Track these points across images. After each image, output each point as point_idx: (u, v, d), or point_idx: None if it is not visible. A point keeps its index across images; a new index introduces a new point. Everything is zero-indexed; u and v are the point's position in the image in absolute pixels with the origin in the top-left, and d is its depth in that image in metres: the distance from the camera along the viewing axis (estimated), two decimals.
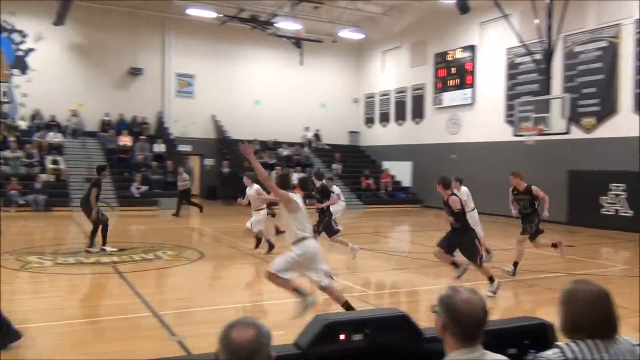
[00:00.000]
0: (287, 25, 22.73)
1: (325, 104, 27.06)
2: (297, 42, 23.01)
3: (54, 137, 20.98)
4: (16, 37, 22.09)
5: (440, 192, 7.65)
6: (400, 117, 25.20)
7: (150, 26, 23.95)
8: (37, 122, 21.64)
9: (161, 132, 23.80)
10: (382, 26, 24.75)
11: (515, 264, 8.66)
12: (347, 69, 27.78)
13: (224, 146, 24.70)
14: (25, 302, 6.91)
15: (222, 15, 22.73)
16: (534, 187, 8.73)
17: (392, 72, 25.86)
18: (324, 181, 10.50)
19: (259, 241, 10.77)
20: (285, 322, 5.53)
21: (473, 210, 9.64)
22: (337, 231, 10.28)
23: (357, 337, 2.61)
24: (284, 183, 6.08)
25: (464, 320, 2.03)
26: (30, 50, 22.26)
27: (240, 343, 1.77)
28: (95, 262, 9.38)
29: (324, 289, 5.86)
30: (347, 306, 5.69)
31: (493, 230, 12.93)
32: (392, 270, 9.73)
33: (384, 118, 26.33)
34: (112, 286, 7.89)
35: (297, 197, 5.91)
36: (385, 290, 8.53)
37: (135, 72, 23.61)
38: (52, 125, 21.59)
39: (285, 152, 24.71)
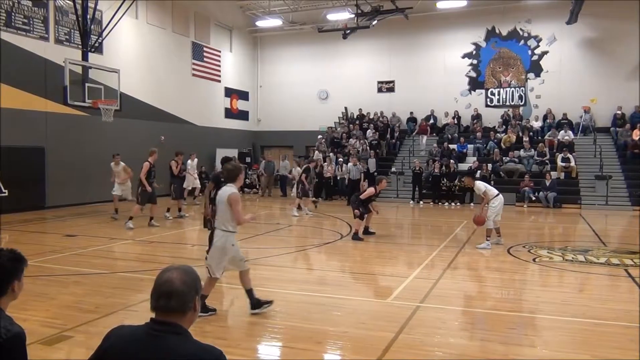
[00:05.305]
0: None
1: None
2: None
3: (564, 135, 21.40)
4: (531, 42, 23.70)
5: None
6: None
7: None
8: (548, 122, 22.61)
9: None
10: None
11: None
12: None
13: None
14: (535, 293, 7.42)
15: None
16: None
17: None
18: None
19: None
20: None
21: None
22: None
23: None
24: None
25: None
26: (544, 53, 23.48)
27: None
28: (606, 263, 9.13)
29: None
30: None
31: None
32: None
33: None
34: (622, 290, 7.51)
35: None
36: None
37: None
38: (563, 124, 22.09)
39: None
